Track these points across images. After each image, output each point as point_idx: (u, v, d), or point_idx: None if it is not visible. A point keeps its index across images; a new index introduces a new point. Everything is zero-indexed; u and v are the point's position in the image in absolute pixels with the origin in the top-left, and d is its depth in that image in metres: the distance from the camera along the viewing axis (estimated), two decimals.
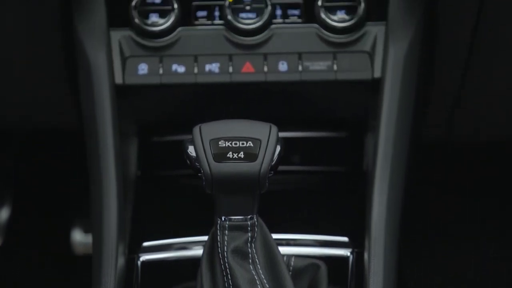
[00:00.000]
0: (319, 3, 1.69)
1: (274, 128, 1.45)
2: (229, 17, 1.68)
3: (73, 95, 1.83)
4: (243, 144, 1.42)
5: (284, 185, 1.81)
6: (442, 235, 2.38)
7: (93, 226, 1.63)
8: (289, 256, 1.53)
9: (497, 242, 2.36)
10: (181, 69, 1.69)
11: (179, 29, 1.70)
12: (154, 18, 1.69)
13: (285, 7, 1.71)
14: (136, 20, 1.68)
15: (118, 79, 1.68)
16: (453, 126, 1.99)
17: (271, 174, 1.41)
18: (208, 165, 1.38)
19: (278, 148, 1.43)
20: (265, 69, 1.69)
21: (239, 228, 1.41)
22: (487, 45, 1.80)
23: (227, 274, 1.40)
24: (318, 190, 1.83)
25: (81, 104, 1.71)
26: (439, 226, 2.41)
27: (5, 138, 2.33)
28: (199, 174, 1.41)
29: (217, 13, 1.71)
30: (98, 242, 1.59)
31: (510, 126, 2.01)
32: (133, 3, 1.68)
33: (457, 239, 2.36)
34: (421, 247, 2.33)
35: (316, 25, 1.70)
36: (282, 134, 1.48)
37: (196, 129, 1.46)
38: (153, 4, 1.69)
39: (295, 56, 1.70)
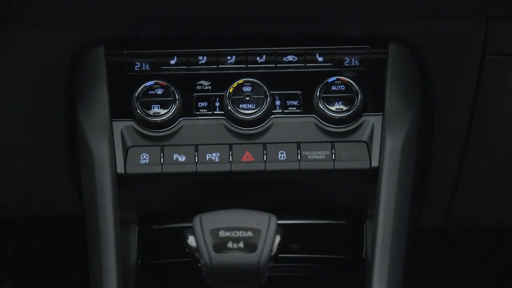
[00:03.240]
0: (317, 94, 1.73)
1: (274, 218, 1.47)
2: (229, 107, 1.72)
3: (74, 183, 1.86)
4: (243, 234, 1.44)
5: (283, 272, 1.82)
6: None
7: None
8: None
9: None
10: (181, 158, 1.72)
11: (181, 119, 1.73)
12: (156, 109, 1.72)
13: (284, 98, 1.74)
14: (138, 111, 1.71)
15: (120, 169, 1.71)
16: (452, 213, 2.00)
17: (271, 264, 1.42)
18: (208, 255, 1.40)
19: (278, 238, 1.45)
20: (265, 158, 1.72)
21: None
22: (484, 134, 1.83)
23: None
24: (317, 277, 1.84)
25: (83, 193, 1.73)
26: None
27: (6, 224, 2.34)
28: (199, 264, 1.42)
29: (217, 104, 1.74)
30: None
31: (509, 215, 2.03)
32: (136, 94, 1.72)
33: None
34: None
35: (314, 116, 1.74)
36: (281, 222, 1.50)
37: (196, 219, 1.48)
38: (155, 95, 1.73)
39: (294, 145, 1.73)
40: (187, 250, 1.47)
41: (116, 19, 1.68)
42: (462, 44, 1.70)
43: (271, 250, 1.42)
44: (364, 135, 1.73)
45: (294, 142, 1.73)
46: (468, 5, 1.64)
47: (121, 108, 1.73)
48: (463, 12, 1.65)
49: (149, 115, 1.72)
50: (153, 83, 1.73)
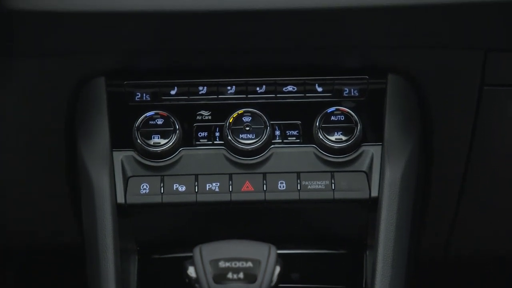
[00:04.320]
0: (317, 124, 1.73)
1: (273, 249, 1.47)
2: (229, 137, 1.72)
3: (75, 213, 1.86)
4: (243, 264, 1.44)
5: None
6: None
7: None
8: None
9: None
10: (182, 188, 1.72)
11: (181, 149, 1.74)
12: (156, 139, 1.73)
13: (284, 128, 1.75)
14: (139, 141, 1.72)
15: (120, 199, 1.71)
16: (452, 242, 2.00)
17: None
18: (208, 286, 1.40)
19: (278, 269, 1.45)
20: (265, 188, 1.72)
21: None
22: (483, 163, 1.84)
23: None
24: None
25: (83, 223, 1.73)
26: None
27: (5, 256, 2.34)
28: None
29: (217, 134, 1.75)
30: None
31: (508, 245, 2.03)
32: (136, 125, 1.73)
33: None
34: None
35: (314, 146, 1.74)
36: (281, 252, 1.51)
37: (196, 250, 1.48)
38: (156, 125, 1.73)
39: (293, 175, 1.73)
40: (187, 280, 1.47)
41: (117, 51, 1.69)
42: (460, 75, 1.72)
43: (271, 281, 1.42)
44: (363, 165, 1.74)
45: (294, 172, 1.73)
46: (466, 37, 1.65)
47: (121, 138, 1.74)
48: (460, 43, 1.66)
49: (150, 145, 1.72)
50: (153, 113, 1.73)
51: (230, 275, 1.42)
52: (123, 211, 1.71)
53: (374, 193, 1.72)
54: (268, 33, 1.65)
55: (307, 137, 1.75)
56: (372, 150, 1.74)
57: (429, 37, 1.65)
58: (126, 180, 1.73)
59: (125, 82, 1.74)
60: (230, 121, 1.73)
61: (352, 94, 1.75)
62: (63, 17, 1.61)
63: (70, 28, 1.63)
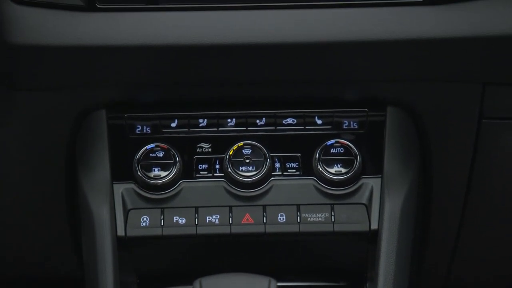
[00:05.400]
0: (317, 156, 1.74)
1: (273, 282, 1.47)
2: (229, 170, 1.73)
3: (75, 246, 1.87)
4: None
5: None
6: None
7: None
8: None
9: None
10: (182, 221, 1.73)
11: (181, 181, 1.75)
12: (156, 171, 1.73)
13: (283, 160, 1.76)
14: (139, 174, 1.73)
15: (120, 232, 1.72)
16: (452, 273, 2.00)
17: None
18: None
19: None
20: (265, 220, 1.73)
21: None
22: (482, 194, 1.84)
23: None
24: None
25: (83, 255, 1.73)
26: None
27: (4, 287, 2.33)
28: None
29: (217, 166, 1.76)
30: None
31: (509, 273, 2.03)
32: (136, 157, 1.73)
33: None
34: None
35: (313, 178, 1.75)
36: (281, 284, 1.51)
37: (196, 283, 1.49)
38: (156, 158, 1.74)
39: (293, 208, 1.73)
40: None
41: (118, 85, 1.70)
42: (459, 108, 1.73)
43: None
44: (363, 197, 1.74)
45: (294, 204, 1.74)
46: (464, 71, 1.67)
47: (122, 170, 1.74)
48: (458, 77, 1.68)
49: (150, 178, 1.73)
50: (154, 145, 1.74)
51: None
52: (123, 244, 1.71)
53: (374, 226, 1.72)
54: (266, 66, 1.66)
55: (307, 169, 1.75)
56: (371, 183, 1.74)
57: (427, 70, 1.66)
58: (126, 212, 1.73)
59: (125, 115, 1.75)
60: (230, 153, 1.74)
61: (352, 126, 1.76)
62: (64, 52, 1.62)
63: (71, 62, 1.64)
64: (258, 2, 1.64)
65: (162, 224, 1.72)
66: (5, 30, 1.62)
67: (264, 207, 1.74)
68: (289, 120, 1.76)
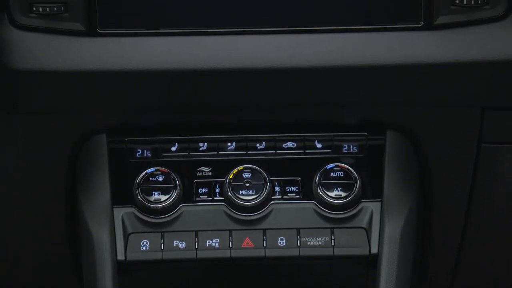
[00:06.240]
0: (316, 180, 1.74)
1: None
2: (229, 194, 1.73)
3: (75, 270, 1.86)
4: None
5: None
6: None
7: None
8: None
9: None
10: (182, 245, 1.73)
11: (181, 205, 1.75)
12: (156, 195, 1.74)
13: (283, 184, 1.76)
14: (139, 198, 1.73)
15: (120, 256, 1.72)
16: None
17: None
18: None
19: None
20: (265, 244, 1.73)
21: None
22: (483, 217, 1.84)
23: None
24: None
25: (83, 279, 1.73)
26: None
27: None
28: None
29: (217, 190, 1.76)
30: None
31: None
32: (137, 181, 1.74)
33: None
34: None
35: (313, 202, 1.75)
36: None
37: None
38: (156, 181, 1.74)
39: (293, 231, 1.74)
40: None
41: (119, 109, 1.70)
42: (458, 132, 1.73)
43: None
44: (363, 221, 1.74)
45: (294, 228, 1.74)
46: (463, 96, 1.67)
47: (122, 194, 1.74)
48: (457, 102, 1.68)
49: (150, 202, 1.73)
50: (154, 169, 1.74)
51: None
52: (123, 268, 1.71)
53: (374, 250, 1.72)
54: (266, 91, 1.67)
55: (306, 193, 1.76)
56: (371, 206, 1.75)
57: (426, 95, 1.67)
58: (126, 236, 1.73)
59: (126, 139, 1.75)
60: (230, 177, 1.74)
61: (351, 150, 1.76)
62: (65, 76, 1.62)
63: (72, 87, 1.64)
64: (257, 27, 1.65)
65: (162, 248, 1.72)
66: (5, 55, 1.62)
67: (264, 231, 1.74)
68: (289, 144, 1.77)
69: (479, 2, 1.63)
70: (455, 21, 1.65)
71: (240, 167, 1.75)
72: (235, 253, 1.72)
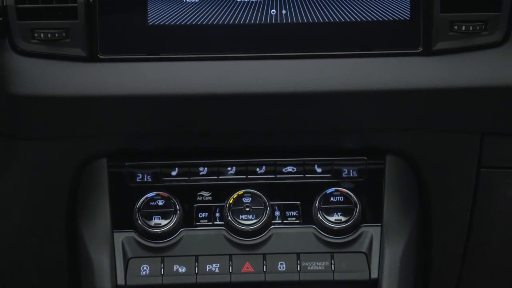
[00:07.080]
0: (316, 205, 1.75)
1: None
2: (229, 218, 1.73)
3: None
4: None
5: None
6: None
7: None
8: None
9: None
10: (182, 269, 1.73)
11: (181, 230, 1.75)
12: (157, 220, 1.74)
13: (283, 208, 1.76)
14: (139, 222, 1.73)
15: (120, 281, 1.72)
16: None
17: None
18: None
19: None
20: (265, 269, 1.73)
21: None
22: (483, 241, 1.84)
23: None
24: None
25: None
26: None
27: None
28: None
29: (217, 214, 1.76)
30: None
31: None
32: (137, 206, 1.74)
33: None
34: None
35: (313, 226, 1.75)
36: None
37: None
38: (156, 206, 1.74)
39: (293, 256, 1.74)
40: None
41: (120, 134, 1.71)
42: (458, 157, 1.73)
43: None
44: (363, 246, 1.74)
45: (294, 253, 1.74)
46: (462, 121, 1.68)
47: (122, 219, 1.75)
48: (457, 127, 1.69)
49: (150, 226, 1.73)
50: (154, 194, 1.75)
51: None
52: None
53: (374, 275, 1.72)
54: (266, 116, 1.67)
55: (306, 217, 1.76)
56: (371, 231, 1.75)
57: (425, 120, 1.67)
58: (126, 261, 1.73)
59: (126, 163, 1.76)
60: (230, 201, 1.74)
61: (351, 175, 1.77)
62: (66, 102, 1.63)
63: (73, 112, 1.65)
64: (257, 53, 1.66)
65: (162, 272, 1.72)
66: (7, 80, 1.63)
67: (264, 255, 1.74)
68: (289, 168, 1.77)
69: (478, 28, 1.64)
70: (454, 47, 1.65)
71: (240, 192, 1.75)
72: (235, 278, 1.72)
